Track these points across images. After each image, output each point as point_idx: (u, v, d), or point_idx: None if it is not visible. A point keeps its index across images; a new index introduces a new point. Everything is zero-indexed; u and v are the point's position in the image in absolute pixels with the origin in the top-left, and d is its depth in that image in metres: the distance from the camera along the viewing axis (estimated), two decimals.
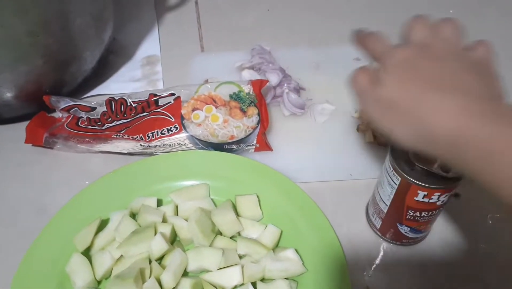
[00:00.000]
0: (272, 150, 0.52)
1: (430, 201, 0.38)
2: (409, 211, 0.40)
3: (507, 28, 0.71)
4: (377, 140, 0.52)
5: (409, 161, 0.38)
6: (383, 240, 0.45)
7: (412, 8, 0.75)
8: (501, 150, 0.26)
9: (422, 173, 0.37)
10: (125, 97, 0.52)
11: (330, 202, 0.48)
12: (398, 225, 0.42)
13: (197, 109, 0.51)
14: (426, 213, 0.39)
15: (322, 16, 0.72)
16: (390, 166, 0.38)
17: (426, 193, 0.37)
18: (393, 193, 0.39)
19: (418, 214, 0.40)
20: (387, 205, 0.41)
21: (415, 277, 0.43)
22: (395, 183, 0.38)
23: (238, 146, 0.51)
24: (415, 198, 0.38)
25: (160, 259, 0.42)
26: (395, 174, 0.38)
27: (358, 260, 0.44)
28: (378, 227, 0.45)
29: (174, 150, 0.51)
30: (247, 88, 0.53)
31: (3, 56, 0.45)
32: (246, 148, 0.51)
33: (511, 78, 0.59)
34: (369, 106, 0.34)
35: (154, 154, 0.51)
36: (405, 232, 0.42)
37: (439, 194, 0.37)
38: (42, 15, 0.46)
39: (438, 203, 0.38)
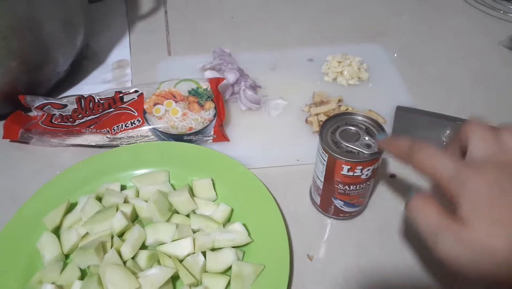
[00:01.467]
0: (229, 140, 0.57)
1: (355, 174, 0.43)
2: (339, 185, 0.45)
3: (452, 29, 0.78)
4: None
5: (335, 140, 0.43)
6: (324, 215, 0.51)
7: (367, 11, 0.82)
8: None
9: (346, 150, 0.43)
10: (93, 95, 0.58)
11: (280, 185, 0.53)
12: (333, 199, 0.47)
13: (158, 104, 0.56)
14: (354, 186, 0.45)
15: (279, 21, 0.79)
16: (320, 146, 0.44)
17: (349, 167, 0.42)
18: (324, 170, 0.45)
19: (347, 187, 0.45)
20: (321, 181, 0.47)
21: (352, 248, 0.48)
22: (324, 160, 0.44)
23: (196, 136, 0.56)
24: (342, 172, 0.43)
25: (121, 236, 0.47)
26: (324, 152, 0.43)
27: (302, 233, 0.49)
28: (318, 203, 0.50)
29: (138, 141, 0.56)
30: (205, 85, 0.58)
31: None
32: (205, 139, 0.57)
33: (458, 77, 0.66)
34: (450, 250, 0.27)
35: (120, 145, 0.56)
36: (340, 206, 0.48)
37: (361, 167, 0.42)
38: (11, 20, 0.51)
39: (362, 177, 0.44)
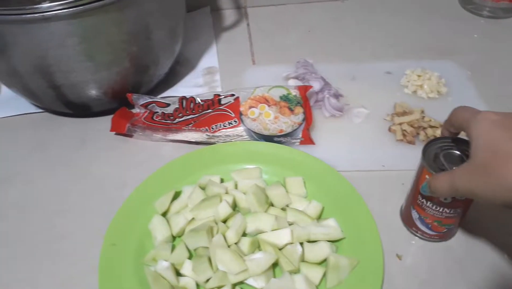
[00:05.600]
0: (314, 144, 0.61)
1: None
2: (419, 196, 0.47)
3: None
4: (406, 139, 0.61)
5: (436, 154, 0.44)
6: (403, 224, 0.52)
7: (438, 30, 0.84)
8: None
9: (439, 166, 0.43)
10: (194, 97, 0.63)
11: (364, 188, 0.56)
12: (411, 208, 0.49)
13: (253, 107, 0.61)
14: (431, 203, 0.46)
15: (354, 37, 0.83)
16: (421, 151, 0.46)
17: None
18: (415, 176, 0.47)
19: (424, 201, 0.46)
20: (410, 188, 0.49)
21: (440, 250, 0.50)
22: (418, 167, 0.46)
23: (285, 138, 0.60)
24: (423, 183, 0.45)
25: (223, 223, 0.51)
26: (421, 157, 0.45)
27: (389, 233, 0.51)
28: (402, 209, 0.52)
29: (233, 140, 0.60)
30: (294, 92, 0.63)
31: (103, 57, 0.57)
32: (293, 141, 0.61)
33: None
34: (465, 184, 0.37)
35: (216, 142, 0.61)
36: (415, 219, 0.49)
37: None
38: (132, 27, 0.58)
39: (440, 198, 0.44)
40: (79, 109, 0.65)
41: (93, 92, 0.61)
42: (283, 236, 0.48)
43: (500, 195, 0.34)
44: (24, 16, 0.49)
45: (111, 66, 0.59)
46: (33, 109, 0.70)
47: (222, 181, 0.56)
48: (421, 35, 0.83)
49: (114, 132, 0.64)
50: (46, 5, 0.50)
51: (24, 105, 0.70)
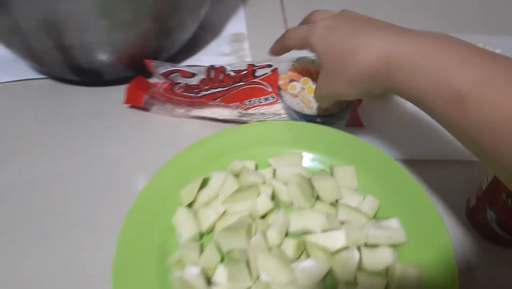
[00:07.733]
0: (363, 126, 0.52)
1: None
2: (503, 194, 0.38)
3: None
4: None
5: None
6: (469, 223, 0.45)
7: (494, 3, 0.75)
8: (417, 61, 0.33)
9: None
10: (224, 66, 0.54)
11: (422, 180, 0.48)
12: (487, 209, 0.41)
13: (294, 80, 0.52)
14: None
15: (400, 8, 0.73)
16: None
17: None
18: None
19: (509, 201, 0.38)
20: (487, 182, 0.41)
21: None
22: None
23: (332, 119, 0.51)
24: None
25: (261, 219, 0.43)
26: None
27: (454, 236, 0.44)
28: (470, 206, 0.44)
29: (268, 119, 0.52)
30: None
31: (123, 14, 0.48)
32: (339, 122, 0.52)
33: None
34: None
35: (249, 121, 0.52)
36: (491, 220, 0.41)
37: None
38: None
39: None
40: (88, 76, 0.56)
41: (107, 56, 0.52)
42: (337, 239, 0.40)
43: (353, 89, 0.39)
44: None
45: (130, 26, 0.49)
46: (33, 75, 0.61)
47: (256, 167, 0.48)
48: (475, 9, 0.74)
49: (128, 105, 0.55)
50: None
51: (24, 71, 0.61)
